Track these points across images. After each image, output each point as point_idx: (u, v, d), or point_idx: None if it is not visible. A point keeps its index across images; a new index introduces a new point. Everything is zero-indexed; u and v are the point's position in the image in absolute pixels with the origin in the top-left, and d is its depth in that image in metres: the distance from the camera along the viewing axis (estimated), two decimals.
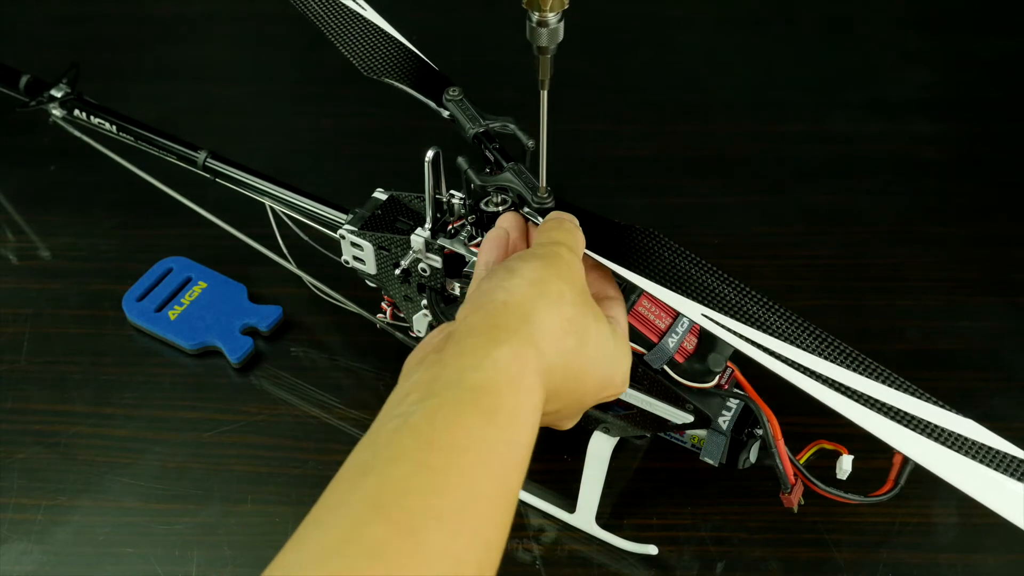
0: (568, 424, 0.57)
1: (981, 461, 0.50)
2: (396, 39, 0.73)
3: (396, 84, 0.70)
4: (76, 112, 0.90)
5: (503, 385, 0.45)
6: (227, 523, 0.74)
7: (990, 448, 0.50)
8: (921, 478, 0.66)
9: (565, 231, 0.56)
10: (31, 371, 0.85)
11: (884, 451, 0.63)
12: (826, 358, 0.54)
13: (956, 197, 0.99)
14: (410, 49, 0.73)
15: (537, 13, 0.50)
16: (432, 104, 0.68)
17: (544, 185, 0.60)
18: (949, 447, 0.50)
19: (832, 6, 1.22)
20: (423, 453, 0.42)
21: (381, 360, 0.84)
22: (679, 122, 1.08)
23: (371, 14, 0.74)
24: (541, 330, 0.48)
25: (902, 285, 0.91)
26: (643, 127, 1.07)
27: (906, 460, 0.62)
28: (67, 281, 0.92)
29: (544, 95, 0.55)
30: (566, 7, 0.51)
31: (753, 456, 0.67)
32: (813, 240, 0.95)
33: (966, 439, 0.51)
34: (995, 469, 0.50)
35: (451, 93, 0.67)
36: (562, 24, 0.51)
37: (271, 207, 0.82)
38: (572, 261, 0.54)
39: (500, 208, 0.62)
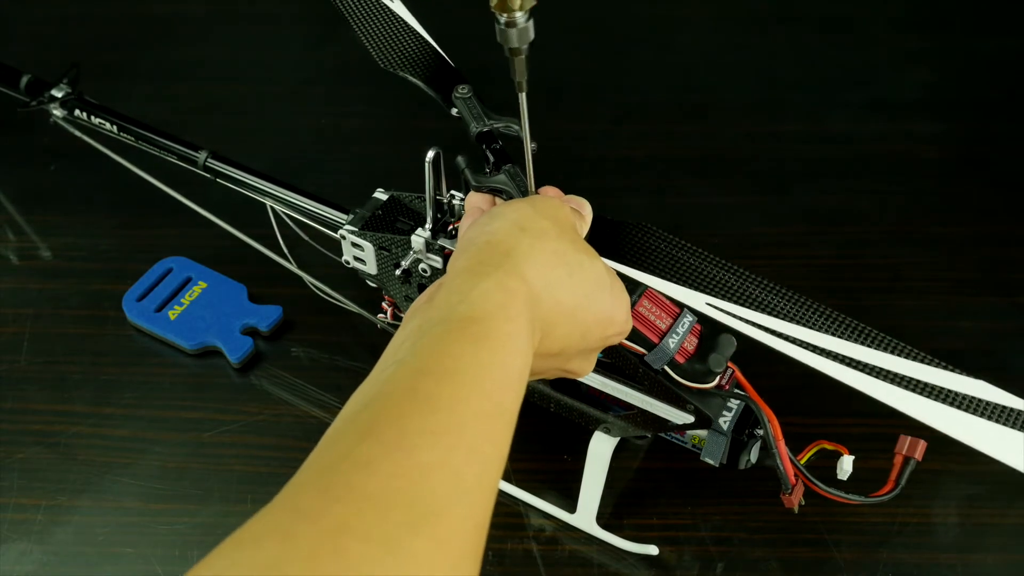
0: (579, 367, 0.57)
1: (997, 420, 0.50)
2: (419, 34, 0.73)
3: (409, 78, 0.69)
4: (77, 112, 0.90)
5: (491, 313, 0.46)
6: (227, 523, 0.74)
7: (1005, 407, 0.51)
8: (921, 478, 0.67)
9: (572, 198, 0.58)
10: (31, 371, 0.84)
11: (884, 452, 0.63)
12: (835, 334, 0.54)
13: (956, 197, 0.99)
14: (431, 45, 0.72)
15: (505, 15, 0.48)
16: (441, 101, 0.67)
17: (533, 190, 0.59)
18: (965, 410, 0.51)
19: (832, 6, 1.22)
20: (415, 381, 0.42)
21: None
22: (679, 122, 1.08)
23: (398, 7, 0.74)
24: (526, 261, 0.49)
25: (902, 285, 0.90)
26: (643, 127, 1.07)
27: (907, 460, 0.62)
28: (67, 281, 0.92)
29: (522, 98, 0.54)
30: (534, 5, 0.49)
31: (754, 456, 0.67)
32: (813, 240, 0.95)
33: (980, 400, 0.51)
34: (1012, 427, 0.50)
35: (460, 91, 0.66)
36: (531, 23, 0.49)
37: (271, 207, 0.82)
38: (561, 207, 0.55)
39: None
